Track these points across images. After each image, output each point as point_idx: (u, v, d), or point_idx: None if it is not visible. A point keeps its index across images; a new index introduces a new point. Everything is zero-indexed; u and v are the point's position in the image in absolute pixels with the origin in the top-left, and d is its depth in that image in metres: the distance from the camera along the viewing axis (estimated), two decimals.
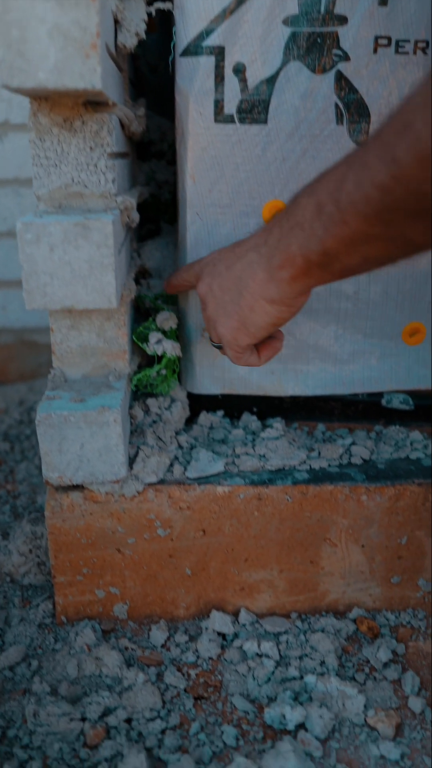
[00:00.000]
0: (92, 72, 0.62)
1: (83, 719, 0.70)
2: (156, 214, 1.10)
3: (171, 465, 0.83)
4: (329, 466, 0.85)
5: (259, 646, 0.80)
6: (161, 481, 0.81)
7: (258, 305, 0.68)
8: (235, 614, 0.86)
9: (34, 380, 1.48)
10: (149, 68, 1.14)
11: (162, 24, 0.96)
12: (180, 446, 0.87)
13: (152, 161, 1.11)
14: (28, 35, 0.60)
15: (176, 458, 0.85)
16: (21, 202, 1.42)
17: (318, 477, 0.83)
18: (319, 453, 0.87)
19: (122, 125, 0.86)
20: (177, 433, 0.89)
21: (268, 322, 0.69)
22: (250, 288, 0.67)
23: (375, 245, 0.55)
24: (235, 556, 0.83)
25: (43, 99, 0.73)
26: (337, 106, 0.80)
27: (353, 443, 0.90)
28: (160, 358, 0.87)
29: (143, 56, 1.09)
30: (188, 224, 0.86)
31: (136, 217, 0.86)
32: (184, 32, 0.78)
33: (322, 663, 0.79)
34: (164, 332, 0.88)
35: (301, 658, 0.80)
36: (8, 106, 1.35)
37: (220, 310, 0.73)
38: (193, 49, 0.78)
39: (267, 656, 0.79)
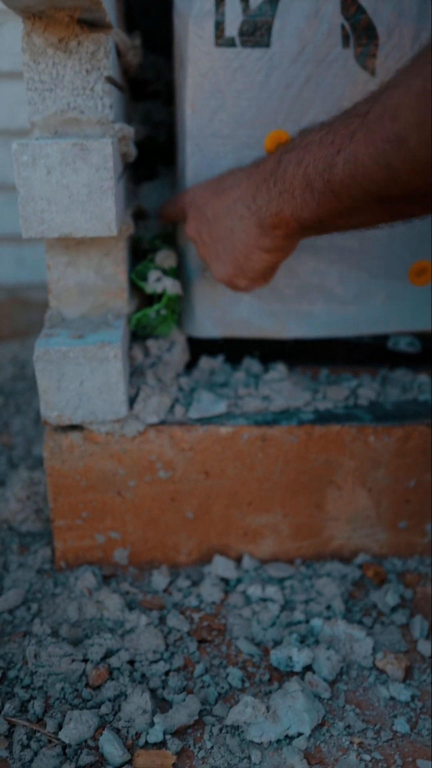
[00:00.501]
0: None
1: (85, 660, 0.68)
2: (152, 158, 1.06)
3: (172, 406, 0.81)
4: (335, 407, 0.83)
5: (263, 590, 0.78)
6: (162, 422, 0.78)
7: (254, 254, 0.69)
8: (238, 560, 0.84)
9: (26, 338, 1.45)
10: (142, 11, 1.09)
11: None
12: (181, 388, 0.85)
13: (148, 101, 1.07)
14: None
15: (177, 400, 0.82)
16: (11, 154, 1.37)
17: (324, 417, 0.80)
18: (325, 395, 0.85)
19: (118, 53, 0.82)
20: (178, 376, 0.86)
21: (264, 266, 0.71)
22: (244, 240, 0.69)
23: (371, 215, 0.56)
24: (238, 500, 0.81)
25: (37, 18, 0.69)
26: (343, 27, 0.76)
27: (359, 385, 0.88)
28: (159, 298, 0.84)
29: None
30: (188, 156, 0.82)
31: (133, 150, 0.83)
32: None
33: (329, 607, 0.77)
34: (164, 271, 0.85)
35: (306, 602, 0.78)
36: None
37: (213, 256, 0.74)
38: None
39: (272, 600, 0.77)
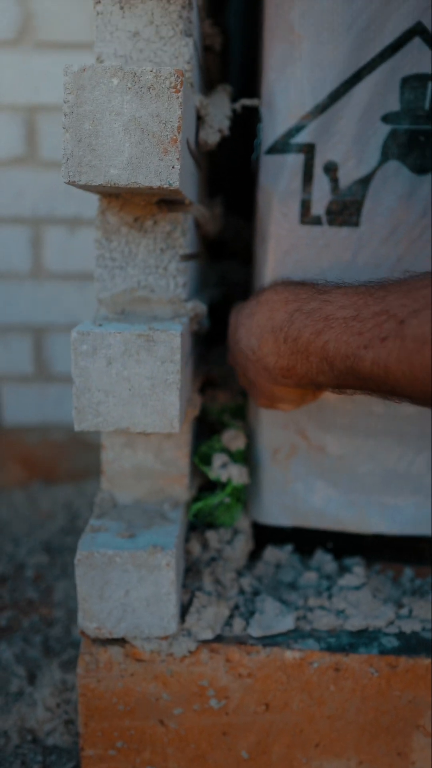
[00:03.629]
0: (169, 169, 0.54)
1: None
2: (226, 318, 1.02)
3: (230, 617, 0.69)
4: (423, 629, 0.70)
5: None
6: (218, 638, 0.67)
7: (276, 389, 0.67)
8: None
9: (83, 481, 1.38)
10: (227, 167, 1.09)
11: (238, 120, 0.91)
12: (242, 591, 0.74)
13: (225, 262, 1.04)
14: (102, 129, 0.53)
15: (237, 607, 0.71)
16: (85, 297, 1.37)
17: (411, 645, 0.67)
18: (410, 611, 0.72)
19: (197, 224, 0.78)
20: (239, 574, 0.76)
21: (294, 397, 0.68)
22: (259, 380, 0.68)
23: (396, 400, 0.53)
24: (303, 740, 0.67)
25: (114, 196, 0.67)
26: None
27: None
28: (223, 484, 0.75)
29: (220, 153, 1.04)
30: None
31: (206, 323, 0.78)
32: (272, 129, 0.71)
33: None
34: (230, 453, 0.76)
35: None
36: (80, 202, 1.33)
37: (245, 386, 0.73)
38: (281, 147, 0.71)
39: None
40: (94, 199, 1.34)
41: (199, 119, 0.70)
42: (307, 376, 0.60)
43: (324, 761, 0.68)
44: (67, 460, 1.40)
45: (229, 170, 1.10)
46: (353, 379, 0.54)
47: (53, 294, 1.37)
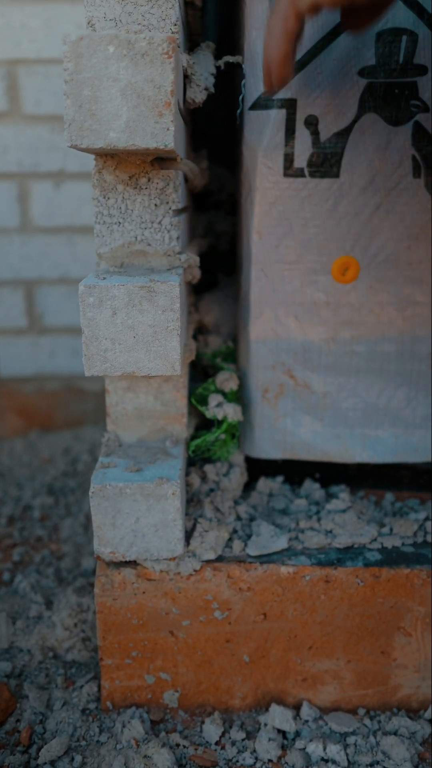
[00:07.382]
0: (164, 131, 0.58)
1: None
2: (213, 266, 1.06)
3: (230, 539, 0.77)
4: (403, 544, 0.78)
5: (324, 749, 0.72)
6: (219, 558, 0.75)
7: None
8: (296, 707, 0.78)
9: (79, 428, 1.44)
10: (206, 118, 1.11)
11: (219, 73, 0.94)
12: (239, 517, 0.81)
13: (211, 212, 1.08)
14: (100, 94, 0.57)
15: (235, 531, 0.78)
16: (74, 250, 1.40)
17: (392, 558, 0.75)
18: (391, 529, 0.80)
19: (186, 179, 0.82)
20: (235, 503, 0.83)
21: None
22: None
23: None
24: (298, 644, 0.76)
25: (109, 156, 0.70)
26: (414, 158, 0.75)
27: (427, 519, 0.83)
28: (219, 422, 0.81)
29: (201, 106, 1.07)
30: (252, 281, 0.81)
31: (197, 273, 0.82)
32: (255, 86, 0.74)
33: None
34: (224, 394, 0.83)
35: (372, 765, 0.71)
36: (64, 156, 1.35)
37: None
38: (264, 103, 0.74)
39: (334, 762, 0.71)
40: (77, 153, 1.36)
41: (186, 78, 0.73)
42: None
43: (316, 662, 0.77)
44: (62, 409, 1.46)
45: (210, 121, 1.12)
46: None
47: (42, 248, 1.40)
